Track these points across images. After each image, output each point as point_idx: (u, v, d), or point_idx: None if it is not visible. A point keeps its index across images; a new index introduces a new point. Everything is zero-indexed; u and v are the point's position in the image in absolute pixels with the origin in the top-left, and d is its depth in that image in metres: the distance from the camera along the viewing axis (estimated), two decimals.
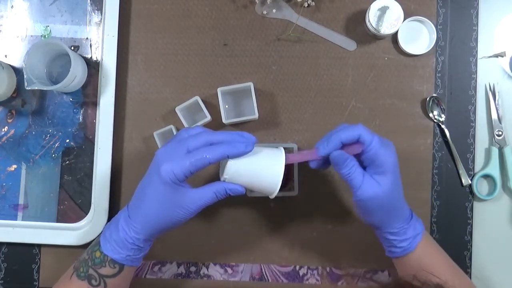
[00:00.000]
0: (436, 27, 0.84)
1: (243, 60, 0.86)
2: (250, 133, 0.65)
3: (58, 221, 0.84)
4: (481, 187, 0.85)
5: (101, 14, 0.85)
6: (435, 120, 0.84)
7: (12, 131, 0.86)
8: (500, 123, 0.84)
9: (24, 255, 0.85)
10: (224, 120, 0.81)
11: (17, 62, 0.87)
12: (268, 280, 0.84)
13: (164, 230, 0.67)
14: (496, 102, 0.84)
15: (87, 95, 0.85)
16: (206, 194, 0.65)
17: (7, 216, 0.85)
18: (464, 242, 0.84)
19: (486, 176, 0.85)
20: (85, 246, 0.77)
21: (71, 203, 0.85)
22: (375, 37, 0.85)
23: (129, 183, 0.85)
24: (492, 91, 0.85)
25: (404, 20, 0.81)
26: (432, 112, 0.84)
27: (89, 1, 0.86)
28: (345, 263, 0.84)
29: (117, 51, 0.83)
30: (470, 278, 0.83)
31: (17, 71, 0.86)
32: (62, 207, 0.85)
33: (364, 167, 0.67)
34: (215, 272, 0.85)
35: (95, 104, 0.85)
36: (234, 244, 0.85)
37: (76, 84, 0.83)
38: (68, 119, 0.86)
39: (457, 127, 0.84)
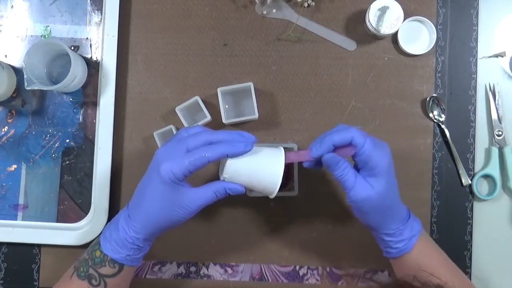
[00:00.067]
0: (436, 27, 0.84)
1: (243, 60, 0.86)
2: (250, 133, 0.66)
3: (58, 221, 0.84)
4: (481, 187, 0.85)
5: (101, 14, 0.85)
6: (435, 120, 0.84)
7: (12, 131, 0.86)
8: (500, 123, 0.84)
9: (24, 255, 0.85)
10: (224, 120, 0.81)
11: (17, 62, 0.87)
12: (268, 280, 0.84)
13: (164, 229, 0.67)
14: (496, 102, 0.84)
15: (87, 95, 0.85)
16: (205, 194, 0.65)
17: (7, 216, 0.85)
18: (464, 242, 0.84)
19: (486, 176, 0.85)
20: (85, 246, 0.77)
21: (71, 203, 0.85)
22: (375, 37, 0.85)
23: (129, 183, 0.85)
24: (492, 91, 0.85)
25: (404, 20, 0.81)
26: (432, 112, 0.84)
27: (89, 1, 0.86)
28: (345, 263, 0.84)
29: (117, 51, 0.83)
30: (470, 278, 0.83)
31: (17, 71, 0.86)
32: (62, 207, 0.85)
33: (358, 169, 0.67)
34: (215, 272, 0.85)
35: (95, 104, 0.85)
36: (234, 244, 0.85)
37: (76, 84, 0.83)
38: (68, 119, 0.86)
39: (457, 127, 0.84)
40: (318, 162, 0.68)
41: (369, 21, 0.81)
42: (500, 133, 0.84)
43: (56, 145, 0.86)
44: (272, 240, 0.84)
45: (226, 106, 0.83)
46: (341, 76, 0.85)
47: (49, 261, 0.85)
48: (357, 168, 0.67)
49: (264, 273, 0.84)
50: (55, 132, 0.86)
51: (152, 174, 0.64)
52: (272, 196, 0.67)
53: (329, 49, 0.85)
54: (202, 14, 0.86)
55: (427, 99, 0.84)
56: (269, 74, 0.85)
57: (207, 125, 0.81)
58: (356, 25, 0.85)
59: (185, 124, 0.81)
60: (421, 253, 0.69)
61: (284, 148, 0.70)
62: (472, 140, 0.84)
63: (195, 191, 0.65)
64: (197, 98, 0.81)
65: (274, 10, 0.85)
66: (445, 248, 0.73)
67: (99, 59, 0.85)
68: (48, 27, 0.87)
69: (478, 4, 0.85)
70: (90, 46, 0.86)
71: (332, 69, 0.85)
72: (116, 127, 0.84)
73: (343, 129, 0.66)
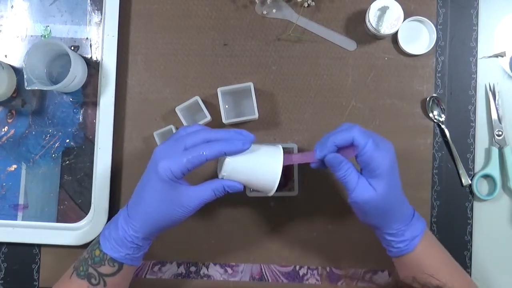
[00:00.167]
0: (436, 27, 0.84)
1: (243, 60, 0.86)
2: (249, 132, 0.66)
3: (58, 221, 0.84)
4: (481, 187, 0.85)
5: (101, 14, 0.85)
6: (435, 120, 0.84)
7: (12, 131, 0.86)
8: (500, 123, 0.84)
9: (24, 255, 0.85)
10: (224, 120, 0.81)
11: (17, 62, 0.87)
12: (268, 280, 0.84)
13: (163, 228, 0.67)
14: (496, 102, 0.84)
15: (87, 95, 0.85)
16: (204, 192, 0.65)
17: (7, 216, 0.85)
18: (464, 242, 0.84)
19: (486, 176, 0.85)
20: (85, 246, 0.77)
21: (71, 203, 0.85)
22: (375, 37, 0.85)
23: (129, 183, 0.85)
24: (492, 91, 0.85)
25: (404, 20, 0.81)
26: (432, 112, 0.84)
27: (89, 1, 0.87)
28: (345, 263, 0.84)
29: (117, 51, 0.83)
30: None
31: (17, 71, 0.86)
32: (62, 207, 0.85)
33: (361, 169, 0.67)
34: (215, 272, 0.85)
35: (95, 104, 0.85)
36: (234, 244, 0.85)
37: (76, 84, 0.84)
38: (68, 119, 0.86)
39: (457, 127, 0.84)
40: (324, 162, 0.68)
41: (369, 21, 0.81)
42: (500, 133, 0.84)
43: (56, 145, 0.86)
44: (272, 240, 0.84)
45: (226, 106, 0.83)
46: (341, 76, 0.85)
47: (49, 261, 0.85)
48: (360, 169, 0.67)
49: (264, 273, 0.84)
50: (55, 132, 0.86)
51: (150, 173, 0.64)
52: (271, 194, 0.67)
53: (329, 49, 0.85)
54: (202, 14, 0.86)
55: (427, 99, 0.84)
56: (269, 74, 0.85)
57: (207, 125, 0.81)
58: (356, 25, 0.85)
59: (185, 124, 0.81)
60: (424, 253, 0.69)
61: (284, 148, 0.70)
62: (472, 140, 0.84)
63: (193, 189, 0.65)
64: (197, 98, 0.81)
65: (274, 10, 0.85)
66: (445, 248, 0.73)
67: (99, 59, 0.85)
68: (48, 27, 0.87)
69: (478, 4, 0.85)
70: (90, 46, 0.86)
71: (332, 69, 0.85)
72: (116, 127, 0.84)
73: (346, 129, 0.66)
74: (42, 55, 0.82)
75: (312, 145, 0.84)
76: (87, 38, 0.86)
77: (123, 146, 0.85)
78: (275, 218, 0.84)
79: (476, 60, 0.85)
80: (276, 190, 0.67)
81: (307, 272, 0.84)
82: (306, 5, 0.84)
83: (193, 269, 0.85)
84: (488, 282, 0.84)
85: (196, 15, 0.86)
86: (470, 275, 0.83)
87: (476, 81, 0.85)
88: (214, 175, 0.81)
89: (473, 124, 0.85)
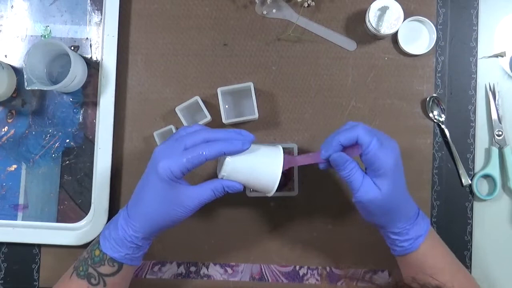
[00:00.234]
0: (436, 27, 0.84)
1: (243, 60, 0.86)
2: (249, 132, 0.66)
3: (58, 221, 0.84)
4: (481, 187, 0.85)
5: (101, 14, 0.85)
6: (435, 120, 0.84)
7: (12, 131, 0.86)
8: (500, 123, 0.84)
9: (24, 255, 0.85)
10: (224, 120, 0.81)
11: (17, 62, 0.87)
12: (268, 280, 0.84)
13: (162, 228, 0.67)
14: (496, 102, 0.84)
15: (87, 95, 0.85)
16: (204, 192, 0.65)
17: (7, 216, 0.85)
18: (464, 242, 0.84)
19: (486, 176, 0.85)
20: (85, 246, 0.77)
21: (71, 203, 0.85)
22: (375, 37, 0.85)
23: (129, 183, 0.85)
24: (492, 91, 0.85)
25: (404, 20, 0.81)
26: (432, 112, 0.84)
27: (89, 1, 0.87)
28: (345, 263, 0.84)
29: (117, 51, 0.83)
30: None
31: (17, 71, 0.86)
32: (62, 207, 0.85)
33: (365, 168, 0.67)
34: (215, 272, 0.85)
35: (95, 104, 0.85)
36: (234, 244, 0.85)
37: (76, 84, 0.84)
38: (68, 119, 0.86)
39: (457, 127, 0.84)
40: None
41: (369, 21, 0.81)
42: (500, 133, 0.84)
43: (56, 145, 0.86)
44: (272, 240, 0.84)
45: (226, 106, 0.83)
46: (341, 76, 0.85)
47: (49, 261, 0.85)
48: (365, 168, 0.67)
49: (264, 273, 0.84)
50: (55, 132, 0.86)
51: (150, 172, 0.64)
52: (270, 194, 0.67)
53: (329, 49, 0.85)
54: (202, 14, 0.86)
55: (427, 99, 0.84)
56: (269, 74, 0.85)
57: (207, 125, 0.81)
58: (356, 25, 0.85)
59: (185, 124, 0.81)
60: (428, 252, 0.69)
61: (284, 148, 0.70)
62: (472, 140, 0.84)
63: (193, 189, 0.65)
64: (197, 98, 0.81)
65: (274, 10, 0.85)
66: None
67: (99, 59, 0.85)
68: (48, 27, 0.87)
69: (478, 4, 0.85)
70: (90, 46, 0.86)
71: (332, 69, 0.85)
72: (116, 127, 0.84)
73: (350, 127, 0.65)
74: (42, 55, 0.82)
75: (312, 145, 0.84)
76: (87, 38, 0.86)
77: (123, 146, 0.85)
78: (275, 218, 0.84)
79: (476, 60, 0.85)
80: (276, 190, 0.67)
81: (307, 272, 0.84)
82: (306, 5, 0.84)
83: (193, 269, 0.85)
84: (488, 282, 0.84)
85: (196, 15, 0.86)
86: None
87: (476, 81, 0.85)
88: (214, 175, 0.81)
89: (473, 124, 0.85)
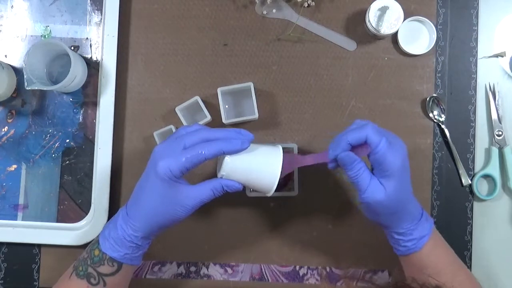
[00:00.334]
0: (436, 27, 0.84)
1: (243, 60, 0.86)
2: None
3: (58, 221, 0.84)
4: (481, 187, 0.84)
5: (101, 14, 0.85)
6: (435, 120, 0.84)
7: (12, 131, 0.86)
8: (500, 123, 0.84)
9: (24, 255, 0.85)
10: (224, 120, 0.81)
11: (17, 62, 0.87)
12: (268, 280, 0.84)
13: (162, 227, 0.67)
14: (496, 102, 0.84)
15: (87, 95, 0.85)
16: (203, 191, 0.65)
17: (7, 216, 0.85)
18: (464, 242, 0.84)
19: (486, 176, 0.85)
20: (85, 246, 0.76)
21: (71, 203, 0.85)
22: (375, 37, 0.85)
23: (129, 183, 0.85)
24: (492, 91, 0.85)
25: (404, 20, 0.81)
26: (432, 112, 0.84)
27: (89, 1, 0.87)
28: (345, 263, 0.84)
29: (117, 51, 0.83)
30: None
31: (17, 71, 0.86)
32: (62, 207, 0.85)
33: (372, 168, 0.66)
34: (215, 272, 0.85)
35: (95, 104, 0.85)
36: (234, 244, 0.85)
37: (76, 84, 0.84)
38: (68, 119, 0.86)
39: (457, 127, 0.84)
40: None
41: (369, 21, 0.81)
42: (500, 133, 0.84)
43: (56, 145, 0.86)
44: (272, 240, 0.84)
45: (226, 106, 0.83)
46: (341, 76, 0.85)
47: (49, 261, 0.85)
48: (371, 167, 0.66)
49: (264, 273, 0.84)
50: (55, 132, 0.86)
51: (149, 172, 0.64)
52: (270, 194, 0.67)
53: (329, 49, 0.85)
54: (202, 14, 0.86)
55: (427, 99, 0.84)
56: (269, 74, 0.85)
57: (207, 125, 0.81)
58: (356, 25, 0.85)
59: (185, 124, 0.81)
60: (430, 252, 0.69)
61: (284, 148, 0.69)
62: (472, 140, 0.84)
63: (192, 189, 0.64)
64: (197, 98, 0.81)
65: (274, 10, 0.85)
66: None
67: (99, 59, 0.85)
68: (48, 27, 0.87)
69: (478, 4, 0.85)
70: (90, 46, 0.86)
71: (332, 69, 0.85)
72: (116, 127, 0.84)
73: (359, 127, 0.65)
74: (42, 55, 0.82)
75: (312, 145, 0.84)
76: (87, 38, 0.86)
77: (123, 146, 0.85)
78: (275, 218, 0.84)
79: (476, 60, 0.85)
80: (276, 190, 0.67)
81: (307, 272, 0.84)
82: (306, 5, 0.84)
83: (193, 269, 0.85)
84: (488, 282, 0.84)
85: (196, 15, 0.86)
86: None
87: (476, 81, 0.85)
88: (214, 175, 0.81)
89: (473, 124, 0.85)
